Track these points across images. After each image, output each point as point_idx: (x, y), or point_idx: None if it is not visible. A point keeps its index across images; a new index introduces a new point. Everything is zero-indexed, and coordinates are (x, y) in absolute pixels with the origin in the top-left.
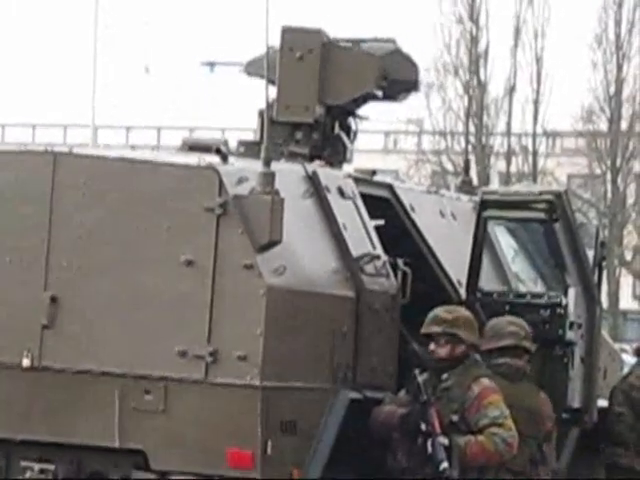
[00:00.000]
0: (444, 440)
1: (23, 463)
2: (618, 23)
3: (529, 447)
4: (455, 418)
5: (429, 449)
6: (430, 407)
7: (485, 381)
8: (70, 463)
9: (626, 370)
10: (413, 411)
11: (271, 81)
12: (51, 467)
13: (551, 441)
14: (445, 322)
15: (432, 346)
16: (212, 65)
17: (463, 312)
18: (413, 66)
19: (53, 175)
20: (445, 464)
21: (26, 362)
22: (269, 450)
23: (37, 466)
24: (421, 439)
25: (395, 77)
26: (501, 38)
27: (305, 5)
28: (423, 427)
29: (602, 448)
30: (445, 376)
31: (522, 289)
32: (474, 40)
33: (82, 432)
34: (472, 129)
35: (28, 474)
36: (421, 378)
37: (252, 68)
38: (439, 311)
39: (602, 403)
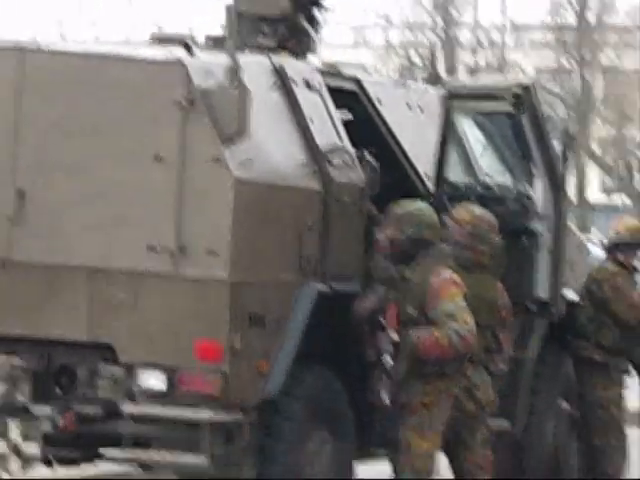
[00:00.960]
0: (393, 334)
1: None
2: None
3: (484, 337)
4: (415, 312)
5: (379, 344)
6: (388, 301)
7: (444, 274)
8: (39, 357)
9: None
10: (378, 304)
11: None
12: (21, 361)
13: (506, 328)
14: (402, 216)
15: (381, 237)
16: None
17: (411, 206)
18: None
19: (21, 71)
20: (388, 358)
21: None
22: (237, 343)
23: (5, 358)
24: (377, 332)
25: None
26: None
27: None
28: (382, 320)
29: (569, 340)
30: (406, 269)
31: (489, 181)
32: None
33: (51, 326)
34: (439, 22)
35: None
36: (387, 272)
37: None
38: (402, 206)
39: (570, 294)
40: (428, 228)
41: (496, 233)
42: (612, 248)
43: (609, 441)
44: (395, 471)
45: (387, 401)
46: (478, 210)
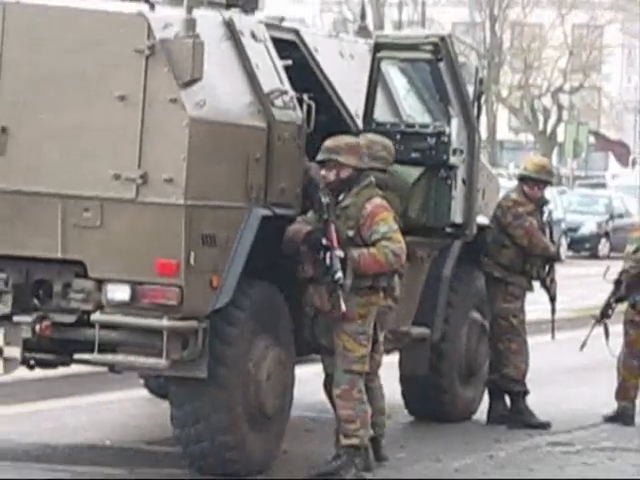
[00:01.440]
0: (340, 253)
1: None
2: None
3: None
4: (351, 234)
5: (327, 262)
6: (330, 225)
7: (377, 200)
8: (19, 272)
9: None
10: (317, 228)
11: None
12: (3, 275)
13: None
14: (328, 150)
15: (323, 171)
16: None
17: (346, 139)
18: None
19: (3, 23)
20: (339, 274)
21: None
22: (192, 260)
23: None
24: (322, 252)
25: None
26: None
27: None
28: (324, 242)
29: (481, 259)
30: (342, 197)
31: (411, 120)
32: None
33: (30, 246)
34: None
35: None
36: (325, 200)
37: None
38: (336, 140)
39: (481, 220)
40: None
41: (390, 154)
42: (520, 181)
43: (510, 347)
44: (327, 372)
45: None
46: (373, 137)
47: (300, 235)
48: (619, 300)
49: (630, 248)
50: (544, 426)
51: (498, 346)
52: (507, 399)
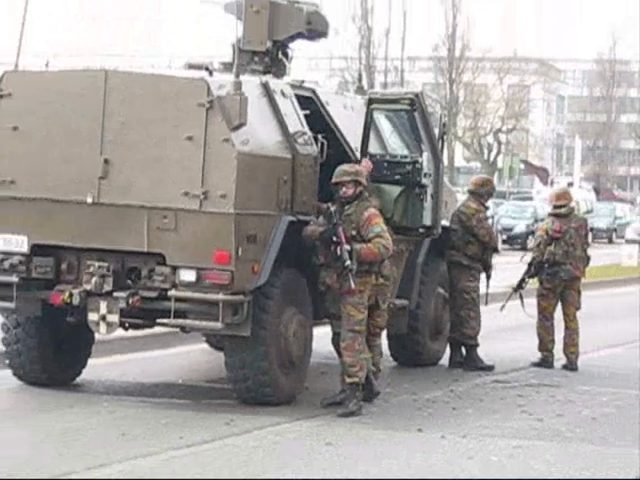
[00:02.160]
0: (347, 247)
1: (88, 262)
2: None
3: None
4: (354, 233)
5: (338, 252)
6: (338, 227)
7: (372, 209)
8: (117, 262)
9: (459, 204)
10: (328, 229)
11: (239, 18)
12: (106, 264)
13: None
14: (350, 174)
15: (343, 189)
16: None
17: (357, 167)
18: (325, 21)
19: (105, 84)
20: (348, 262)
21: (89, 199)
22: (239, 252)
23: (97, 263)
24: (333, 246)
25: (315, 27)
26: None
27: None
28: (334, 239)
29: (445, 251)
30: (347, 207)
31: (394, 153)
32: (365, 5)
33: (125, 243)
34: (363, 56)
35: (91, 269)
36: (333, 208)
37: (228, 8)
38: (346, 167)
39: (445, 223)
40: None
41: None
42: (470, 194)
43: (469, 314)
44: (334, 331)
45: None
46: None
47: (315, 234)
48: (531, 277)
49: (535, 242)
50: (489, 369)
51: (460, 313)
52: (463, 350)
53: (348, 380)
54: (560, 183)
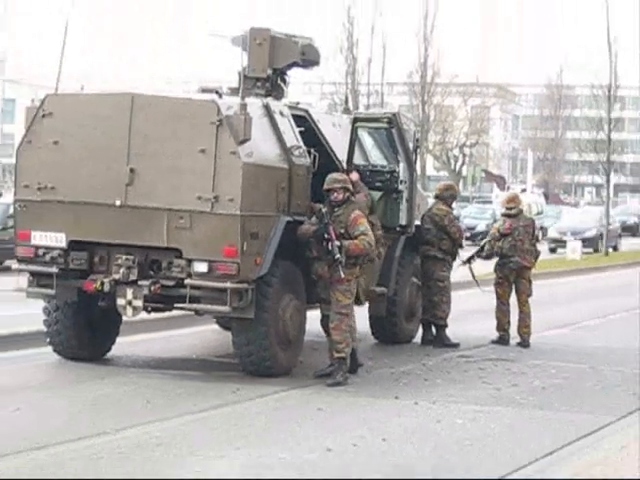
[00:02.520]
0: (338, 243)
1: (117, 255)
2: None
3: None
4: (342, 231)
5: (329, 248)
6: (329, 226)
7: (357, 212)
8: (142, 255)
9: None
10: (320, 227)
11: (244, 49)
12: (132, 257)
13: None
14: (340, 181)
15: (334, 194)
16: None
17: (344, 176)
18: (317, 53)
19: (132, 105)
20: (338, 255)
21: (118, 202)
22: (244, 247)
23: (124, 256)
24: (325, 242)
25: (308, 57)
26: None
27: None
28: (326, 236)
29: (419, 247)
30: (337, 209)
31: (375, 163)
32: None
33: (148, 239)
34: (349, 81)
35: (119, 261)
36: (324, 210)
37: (235, 41)
38: (336, 175)
39: (417, 222)
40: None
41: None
42: (437, 198)
43: (442, 299)
44: (323, 314)
45: (326, 276)
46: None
47: (310, 231)
48: (479, 257)
49: (487, 238)
50: (455, 346)
51: (434, 298)
52: (433, 330)
53: (336, 355)
54: (515, 189)
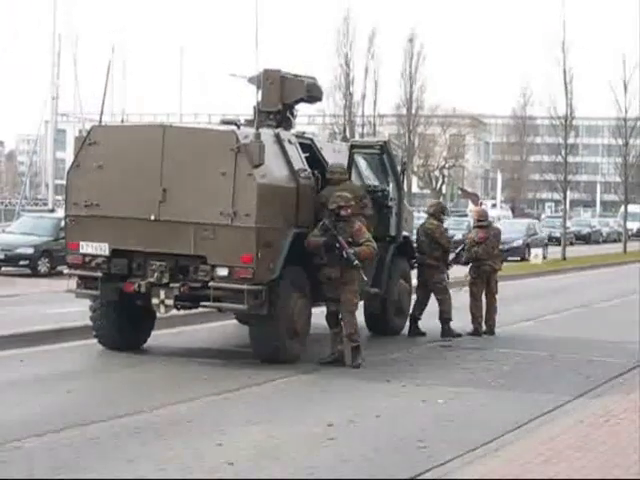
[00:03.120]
0: (350, 250)
1: (151, 261)
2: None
3: None
4: (350, 240)
5: (345, 255)
6: (338, 236)
7: (359, 223)
8: (172, 261)
9: (421, 221)
10: (329, 238)
11: (259, 87)
12: (164, 263)
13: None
14: (347, 198)
15: (343, 211)
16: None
17: (347, 194)
18: (320, 91)
19: (163, 135)
20: (357, 262)
21: (152, 217)
22: (259, 255)
23: (157, 262)
24: (337, 251)
25: (313, 93)
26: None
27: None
28: (338, 245)
29: (416, 256)
30: (340, 223)
31: (369, 183)
32: (348, 78)
33: (177, 248)
34: (347, 114)
35: (154, 266)
36: (327, 222)
37: (251, 80)
38: (342, 193)
39: (405, 233)
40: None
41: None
42: (428, 215)
43: (444, 297)
44: (329, 310)
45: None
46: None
47: (319, 242)
48: (456, 263)
49: (467, 246)
50: (459, 336)
51: (438, 297)
52: (419, 325)
53: (352, 344)
54: (486, 204)
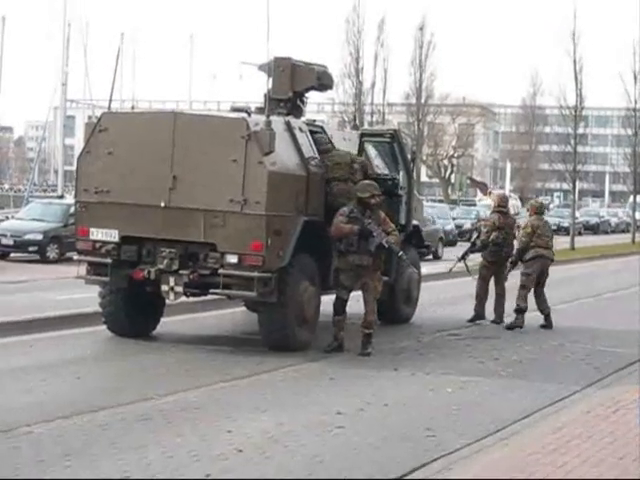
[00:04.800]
0: (389, 238)
1: (161, 248)
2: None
3: None
4: (379, 228)
5: (385, 245)
6: (372, 224)
7: (382, 212)
8: (182, 248)
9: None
10: (363, 226)
11: (270, 75)
12: (174, 250)
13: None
14: (375, 187)
15: (374, 199)
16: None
17: (375, 183)
18: (331, 79)
19: (174, 122)
20: (401, 252)
21: (162, 204)
22: (269, 242)
23: (167, 249)
24: (372, 239)
25: (323, 82)
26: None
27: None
28: (374, 234)
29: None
30: (368, 211)
31: (379, 172)
32: (357, 66)
33: (188, 235)
34: (357, 103)
35: (163, 253)
36: (358, 211)
37: (261, 67)
38: (370, 182)
39: (415, 222)
40: None
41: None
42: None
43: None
44: (339, 298)
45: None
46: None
47: (353, 229)
48: (473, 252)
49: (485, 229)
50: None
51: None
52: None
53: (366, 332)
54: (495, 193)
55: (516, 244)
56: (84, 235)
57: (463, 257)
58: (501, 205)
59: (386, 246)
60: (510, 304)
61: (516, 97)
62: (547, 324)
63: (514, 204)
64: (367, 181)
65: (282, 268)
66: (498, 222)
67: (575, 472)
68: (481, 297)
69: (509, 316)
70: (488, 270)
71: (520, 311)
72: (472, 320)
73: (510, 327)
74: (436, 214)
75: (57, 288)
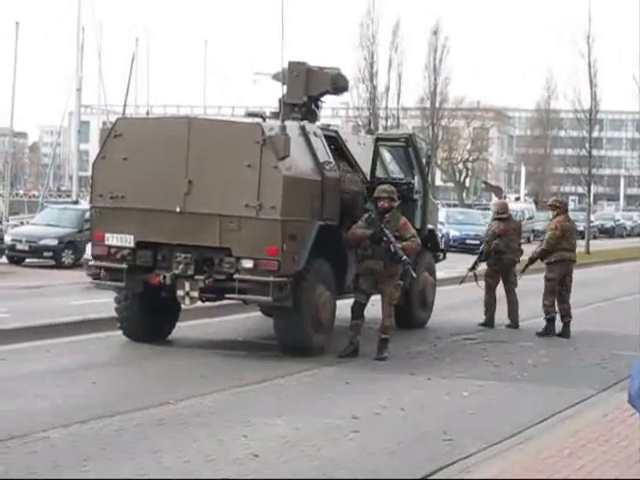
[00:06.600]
0: (399, 244)
1: (177, 253)
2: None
3: None
4: (397, 234)
5: (392, 249)
6: (385, 229)
7: (404, 218)
8: (198, 253)
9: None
10: (376, 231)
11: (284, 83)
12: (189, 255)
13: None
14: (388, 192)
15: (381, 202)
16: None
17: (392, 188)
18: (346, 81)
19: (189, 127)
20: (405, 257)
21: (178, 209)
22: (284, 247)
23: (183, 254)
24: (384, 244)
25: (338, 85)
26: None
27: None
28: (385, 238)
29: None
30: (387, 215)
31: (394, 176)
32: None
33: (203, 240)
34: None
35: (179, 258)
36: (373, 216)
37: (276, 76)
38: (385, 187)
39: (430, 226)
40: None
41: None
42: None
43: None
44: (357, 302)
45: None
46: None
47: (365, 234)
48: (481, 261)
49: (486, 238)
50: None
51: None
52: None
53: (383, 336)
54: (510, 198)
55: (543, 244)
56: (99, 240)
57: (473, 267)
58: (500, 212)
59: (392, 250)
60: (524, 307)
61: (531, 101)
62: (563, 333)
63: (528, 208)
64: (385, 185)
65: (298, 273)
66: (497, 230)
67: (593, 475)
68: (489, 304)
69: (524, 320)
70: (493, 279)
71: (551, 320)
72: (484, 324)
73: (541, 334)
74: (467, 220)
75: (72, 293)
